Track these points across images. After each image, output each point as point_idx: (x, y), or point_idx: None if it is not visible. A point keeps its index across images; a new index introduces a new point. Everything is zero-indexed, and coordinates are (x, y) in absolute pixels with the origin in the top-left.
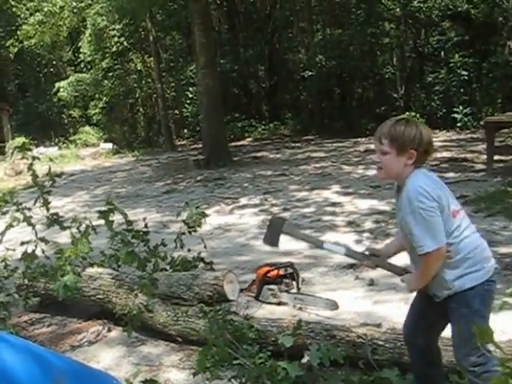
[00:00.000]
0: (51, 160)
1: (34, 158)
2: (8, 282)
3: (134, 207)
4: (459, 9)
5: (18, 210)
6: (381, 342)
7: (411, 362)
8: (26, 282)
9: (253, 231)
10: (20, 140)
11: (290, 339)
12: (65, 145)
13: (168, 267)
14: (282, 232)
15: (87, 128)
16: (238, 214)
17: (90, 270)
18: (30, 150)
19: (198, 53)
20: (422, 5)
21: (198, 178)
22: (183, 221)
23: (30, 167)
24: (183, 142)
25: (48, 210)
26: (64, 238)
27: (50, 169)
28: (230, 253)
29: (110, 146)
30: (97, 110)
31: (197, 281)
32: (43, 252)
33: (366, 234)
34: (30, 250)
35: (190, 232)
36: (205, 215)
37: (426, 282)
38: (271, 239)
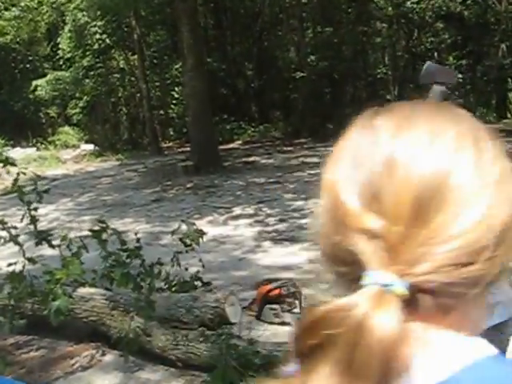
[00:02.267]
0: (28, 174)
1: (18, 173)
2: None
3: (121, 217)
4: (452, 10)
5: (3, 229)
6: None
7: None
8: (12, 302)
9: (249, 244)
10: None
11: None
12: (43, 146)
13: (164, 286)
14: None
15: (67, 128)
16: (232, 224)
17: (82, 291)
18: (14, 165)
19: (185, 54)
20: (415, 6)
21: (188, 186)
22: (180, 239)
23: (14, 183)
24: (169, 144)
25: (36, 227)
26: (50, 250)
27: (36, 183)
28: (226, 267)
29: (91, 147)
30: (77, 110)
31: (197, 303)
32: (30, 274)
33: None
34: (16, 269)
35: (186, 251)
36: (203, 233)
37: None
38: None
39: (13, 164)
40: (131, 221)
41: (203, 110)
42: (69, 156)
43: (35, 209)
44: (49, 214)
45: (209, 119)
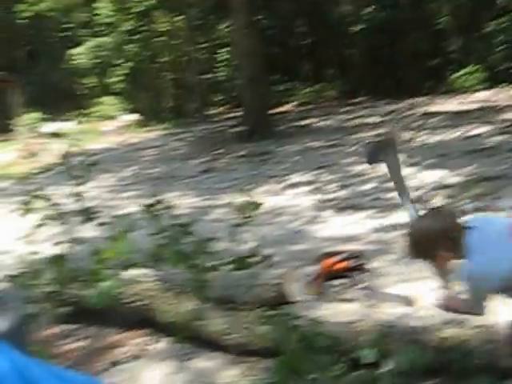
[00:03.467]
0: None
1: (69, 146)
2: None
3: (168, 190)
4: None
5: (52, 205)
6: (473, 345)
7: None
8: (56, 288)
9: (308, 214)
10: (33, 116)
11: (372, 353)
12: (83, 118)
13: (220, 264)
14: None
15: (107, 98)
16: (289, 194)
17: (131, 272)
18: (64, 137)
19: (236, 10)
20: None
21: (241, 153)
22: (237, 211)
23: (64, 157)
24: (217, 110)
25: (82, 204)
26: (90, 232)
27: (84, 160)
28: (283, 241)
29: (134, 117)
30: (118, 78)
31: (256, 281)
32: (74, 256)
33: None
34: (59, 250)
35: (241, 225)
36: (260, 204)
37: None
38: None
39: (62, 136)
40: (179, 194)
41: (257, 70)
42: (110, 128)
43: (83, 183)
44: (89, 191)
45: (263, 80)
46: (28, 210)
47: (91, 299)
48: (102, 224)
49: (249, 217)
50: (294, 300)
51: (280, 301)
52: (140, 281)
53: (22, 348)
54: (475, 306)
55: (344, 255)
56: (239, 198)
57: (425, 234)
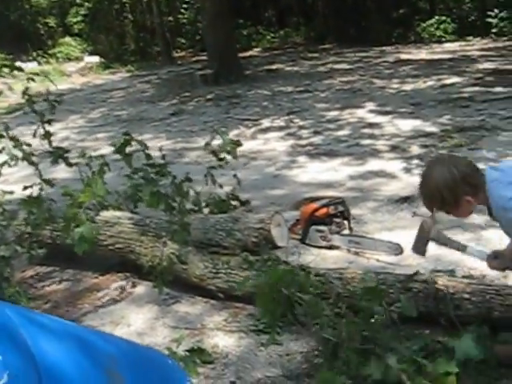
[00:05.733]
0: (48, 79)
1: (29, 78)
2: (6, 230)
3: (140, 132)
4: None
5: (15, 146)
6: (466, 295)
7: None
8: (29, 230)
9: (283, 159)
10: None
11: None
12: (44, 59)
13: (197, 208)
14: (429, 239)
15: (68, 39)
16: (261, 138)
17: (106, 215)
18: (21, 70)
19: None
20: None
21: (209, 97)
22: (212, 152)
23: (25, 92)
24: (182, 54)
25: (50, 143)
26: (64, 173)
27: (48, 92)
28: (260, 186)
29: (96, 59)
30: (78, 18)
31: (238, 225)
32: (46, 197)
33: (415, 161)
34: (31, 192)
35: (220, 166)
36: (239, 144)
37: None
38: (418, 248)
39: (20, 69)
40: (151, 137)
41: (221, 12)
42: (73, 69)
43: (49, 121)
44: (57, 132)
45: (228, 23)
46: None
47: (69, 246)
48: (75, 164)
49: (228, 157)
50: (278, 245)
51: (263, 245)
52: (116, 223)
53: None
54: None
55: (325, 201)
56: (216, 139)
57: (442, 183)
